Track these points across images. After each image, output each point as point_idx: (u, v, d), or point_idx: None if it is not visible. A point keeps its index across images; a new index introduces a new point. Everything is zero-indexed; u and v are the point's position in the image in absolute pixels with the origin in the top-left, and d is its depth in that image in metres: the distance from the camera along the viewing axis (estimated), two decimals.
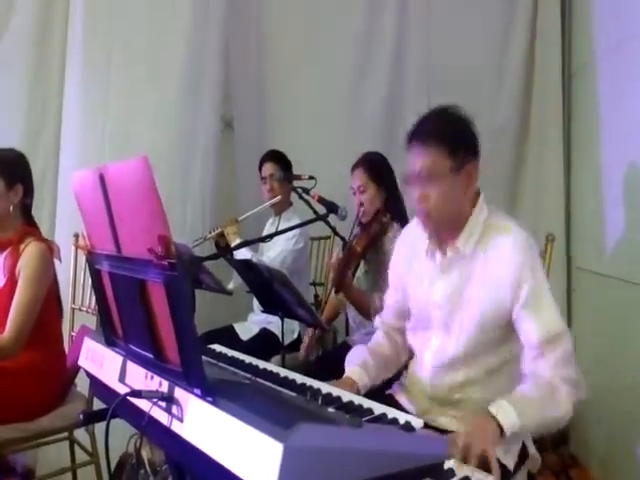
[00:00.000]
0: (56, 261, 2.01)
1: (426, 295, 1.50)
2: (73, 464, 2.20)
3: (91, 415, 1.31)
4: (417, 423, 1.01)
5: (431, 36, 3.11)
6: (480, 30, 3.07)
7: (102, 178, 1.04)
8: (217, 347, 1.53)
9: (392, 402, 1.58)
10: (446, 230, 1.45)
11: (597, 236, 2.50)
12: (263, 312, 2.21)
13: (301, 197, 2.25)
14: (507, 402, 1.26)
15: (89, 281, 2.21)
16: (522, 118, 3.08)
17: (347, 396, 1.15)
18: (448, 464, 1.04)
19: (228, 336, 2.59)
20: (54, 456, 2.42)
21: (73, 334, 2.31)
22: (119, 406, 1.10)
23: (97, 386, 1.34)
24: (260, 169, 2.70)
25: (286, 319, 2.09)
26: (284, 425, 0.78)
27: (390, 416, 1.04)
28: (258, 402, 0.94)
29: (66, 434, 2.14)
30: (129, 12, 2.76)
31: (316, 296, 2.75)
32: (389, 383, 1.67)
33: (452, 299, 1.44)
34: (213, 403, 0.89)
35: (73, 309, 2.26)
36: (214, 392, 0.92)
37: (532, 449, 1.51)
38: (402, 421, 1.01)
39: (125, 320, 1.11)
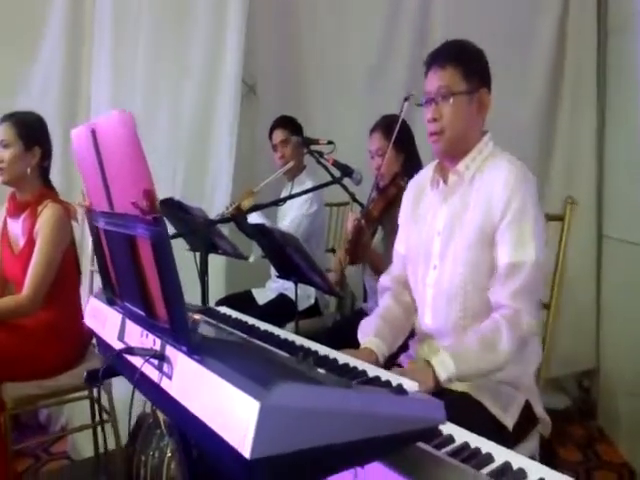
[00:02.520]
0: (76, 224, 2.04)
1: (429, 227, 1.51)
2: (93, 422, 2.27)
3: (93, 373, 1.32)
4: (411, 386, 0.99)
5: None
6: None
7: (94, 134, 1.02)
8: (224, 309, 1.52)
9: None
10: (453, 152, 1.47)
11: (630, 204, 2.39)
12: (278, 277, 2.20)
13: (319, 162, 2.20)
14: (445, 349, 1.32)
15: None
16: (554, 83, 2.93)
17: (343, 359, 1.12)
18: (444, 428, 1.01)
19: (246, 300, 2.60)
20: (79, 414, 2.51)
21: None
22: (119, 364, 1.10)
23: (101, 345, 1.35)
24: (270, 137, 2.65)
25: (302, 285, 2.07)
26: (265, 384, 0.76)
27: (383, 379, 1.01)
28: (245, 361, 0.92)
29: (86, 393, 2.21)
30: None
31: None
32: (397, 353, 1.64)
33: (451, 225, 1.46)
34: (199, 361, 0.88)
35: (92, 272, 2.29)
36: (202, 350, 0.90)
37: (540, 410, 1.49)
38: (395, 384, 0.99)
39: (120, 278, 1.11)
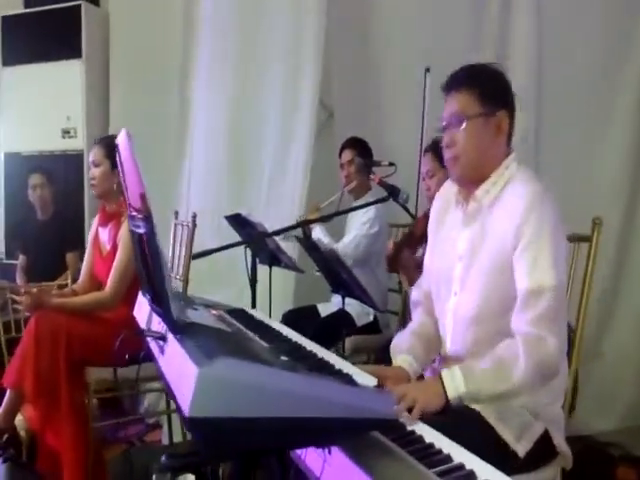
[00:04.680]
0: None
1: (452, 249, 1.49)
2: (167, 409, 2.54)
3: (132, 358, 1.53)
4: (369, 381, 1.07)
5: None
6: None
7: (117, 147, 1.24)
8: (253, 312, 1.68)
9: None
10: (471, 178, 1.45)
11: None
12: (332, 292, 2.32)
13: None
14: (458, 367, 1.27)
15: (182, 252, 2.53)
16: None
17: (326, 355, 1.22)
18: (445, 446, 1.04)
19: (309, 314, 2.74)
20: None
21: None
22: (147, 348, 1.30)
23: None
24: (340, 156, 2.80)
25: None
26: (211, 357, 0.90)
27: (345, 371, 1.10)
28: (214, 342, 1.06)
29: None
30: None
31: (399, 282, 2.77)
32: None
33: (471, 252, 1.43)
34: (178, 339, 1.03)
35: (170, 277, 2.57)
36: (184, 332, 1.06)
37: (560, 442, 1.43)
38: (355, 377, 1.07)
39: (140, 272, 1.31)
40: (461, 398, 1.27)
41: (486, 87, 1.42)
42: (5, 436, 2.19)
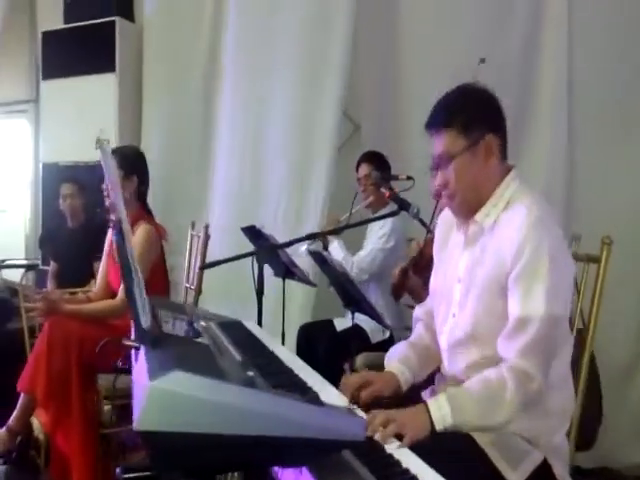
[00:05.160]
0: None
1: (453, 270, 1.46)
2: None
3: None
4: (340, 402, 1.03)
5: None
6: None
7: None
8: (250, 324, 1.67)
9: None
10: (470, 209, 1.41)
11: None
12: (343, 307, 2.29)
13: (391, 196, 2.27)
14: (445, 398, 1.24)
15: (197, 263, 2.55)
16: None
17: (303, 373, 1.19)
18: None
19: (325, 328, 2.71)
20: None
21: None
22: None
23: None
24: (357, 170, 2.77)
25: None
26: (166, 370, 0.88)
27: (315, 390, 1.07)
28: (179, 356, 1.05)
29: None
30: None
31: None
32: (424, 385, 1.63)
33: (470, 274, 1.39)
34: (145, 350, 1.03)
35: (187, 288, 2.59)
36: (155, 343, 1.05)
37: (561, 473, 1.35)
38: (323, 397, 1.03)
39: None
40: (447, 429, 1.24)
41: (466, 119, 1.36)
42: (19, 438, 2.24)
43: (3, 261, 4.06)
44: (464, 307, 1.40)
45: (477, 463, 1.27)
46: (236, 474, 1.74)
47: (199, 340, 1.21)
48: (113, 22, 3.73)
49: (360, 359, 2.44)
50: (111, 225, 2.41)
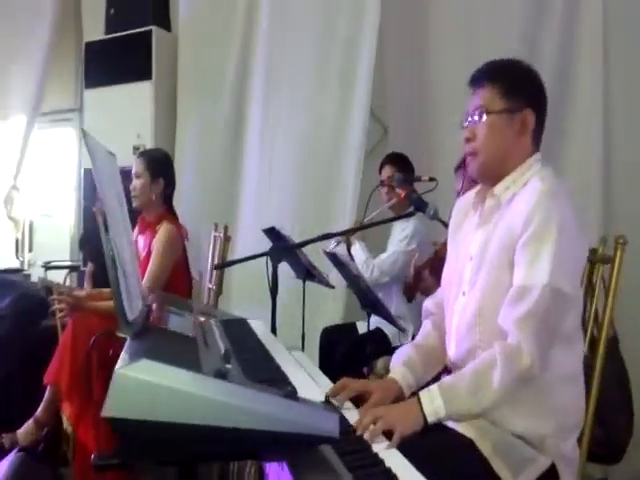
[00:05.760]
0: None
1: (465, 251, 1.42)
2: None
3: None
4: (316, 396, 1.01)
5: None
6: None
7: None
8: (255, 323, 1.67)
9: None
10: (489, 176, 1.38)
11: None
12: (361, 309, 2.26)
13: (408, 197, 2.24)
14: (437, 390, 1.22)
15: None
16: None
17: (289, 370, 1.18)
18: None
19: (347, 331, 2.69)
20: None
21: None
22: None
23: None
24: (380, 172, 2.74)
25: None
26: (137, 359, 0.89)
27: (293, 385, 1.05)
28: (159, 346, 1.06)
29: None
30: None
31: None
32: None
33: (483, 251, 1.35)
34: (129, 341, 1.04)
35: (209, 289, 2.63)
36: (138, 334, 1.07)
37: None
38: (305, 394, 1.02)
39: None
40: (440, 420, 1.22)
41: (511, 83, 1.35)
42: (45, 430, 2.32)
43: (48, 263, 4.25)
44: (474, 285, 1.35)
45: (477, 469, 1.22)
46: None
47: (183, 333, 1.22)
48: (150, 31, 3.84)
49: (380, 363, 2.40)
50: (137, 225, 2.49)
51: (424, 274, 1.97)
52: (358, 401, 1.32)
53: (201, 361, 1.00)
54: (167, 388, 0.86)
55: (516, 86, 1.35)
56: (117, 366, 0.87)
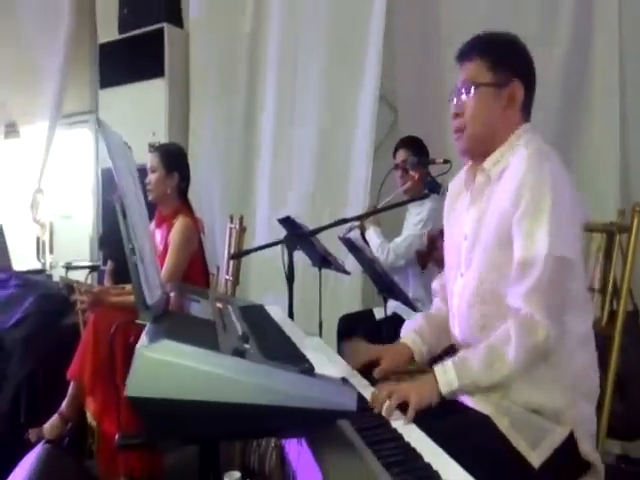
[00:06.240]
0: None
1: (459, 230, 1.42)
2: None
3: None
4: (335, 372, 1.02)
5: None
6: None
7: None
8: (274, 309, 1.68)
9: None
10: (477, 151, 1.37)
11: None
12: (378, 294, 2.27)
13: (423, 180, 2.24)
14: (451, 362, 1.23)
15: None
16: None
17: (307, 349, 1.19)
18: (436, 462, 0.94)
19: (364, 318, 2.70)
20: None
21: None
22: None
23: None
24: (394, 156, 2.73)
25: None
26: (158, 340, 0.91)
27: (311, 362, 1.06)
28: (178, 328, 1.08)
29: None
30: None
31: None
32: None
33: (476, 230, 1.35)
34: (148, 326, 1.06)
35: (226, 280, 2.65)
36: (158, 318, 1.09)
37: (588, 450, 1.27)
38: (322, 370, 1.03)
39: None
40: (454, 393, 1.23)
41: (498, 55, 1.34)
42: (70, 424, 2.36)
43: (69, 264, 4.32)
44: (470, 264, 1.36)
45: (496, 444, 1.22)
46: None
47: (201, 316, 1.24)
48: (162, 29, 3.87)
49: None
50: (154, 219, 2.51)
51: (438, 243, 1.99)
52: (372, 367, 1.35)
53: (220, 342, 1.02)
54: (187, 367, 0.88)
55: (503, 58, 1.34)
56: (138, 347, 0.89)
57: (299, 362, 1.07)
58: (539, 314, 1.19)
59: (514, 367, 1.21)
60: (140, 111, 3.98)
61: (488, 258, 1.30)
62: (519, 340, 1.19)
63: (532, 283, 1.20)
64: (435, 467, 0.92)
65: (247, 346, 1.06)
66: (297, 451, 1.06)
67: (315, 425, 0.96)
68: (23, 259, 4.59)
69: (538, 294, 1.20)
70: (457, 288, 1.42)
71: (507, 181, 1.29)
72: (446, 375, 1.22)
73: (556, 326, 1.20)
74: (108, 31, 4.27)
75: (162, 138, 3.87)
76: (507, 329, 1.23)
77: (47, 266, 4.73)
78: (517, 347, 1.19)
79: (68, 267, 4.28)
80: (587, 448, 1.28)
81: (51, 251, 4.85)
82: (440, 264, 2.08)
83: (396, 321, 2.56)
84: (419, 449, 0.99)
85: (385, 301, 2.19)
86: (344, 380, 1.18)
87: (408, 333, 1.49)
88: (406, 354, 1.44)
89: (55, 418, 2.32)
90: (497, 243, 1.28)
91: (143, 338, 0.96)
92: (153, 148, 2.51)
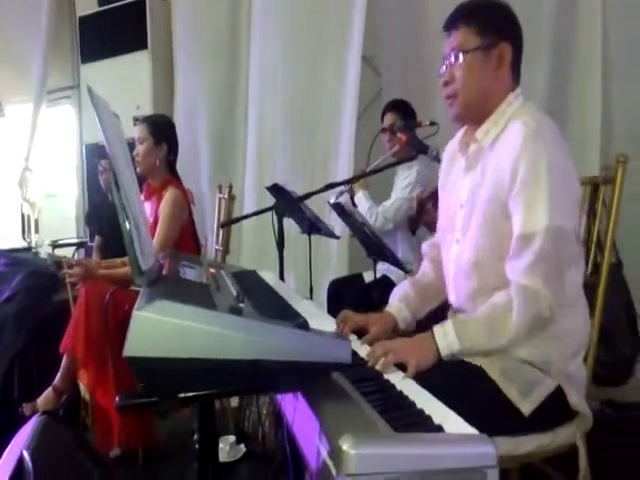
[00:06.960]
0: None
1: (455, 197, 1.44)
2: None
3: None
4: (328, 326, 1.04)
5: None
6: None
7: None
8: (266, 274, 1.69)
9: None
10: (471, 117, 1.38)
11: None
12: (367, 256, 2.29)
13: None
14: (452, 325, 1.24)
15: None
16: None
17: (301, 306, 1.21)
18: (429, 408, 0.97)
19: (354, 282, 2.73)
20: None
21: None
22: None
23: None
24: (382, 120, 2.72)
25: None
26: (154, 301, 0.92)
27: (304, 317, 1.08)
28: (174, 290, 1.09)
29: None
30: None
31: None
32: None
33: (472, 198, 1.36)
34: (143, 289, 1.07)
35: (217, 250, 2.66)
36: (153, 282, 1.10)
37: (576, 401, 1.32)
38: (315, 325, 1.04)
39: None
40: (454, 355, 1.25)
41: (484, 19, 1.35)
42: (64, 397, 2.38)
43: (56, 242, 4.29)
44: (467, 232, 1.38)
45: (488, 393, 1.26)
46: None
47: (196, 280, 1.25)
48: (144, 0, 3.79)
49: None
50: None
51: (427, 207, 2.01)
52: (360, 335, 1.39)
53: (215, 302, 1.03)
54: (184, 325, 0.89)
55: (489, 22, 1.35)
56: (134, 309, 0.90)
57: (294, 318, 1.09)
58: (540, 286, 1.22)
59: (514, 335, 1.24)
60: (124, 85, 3.92)
61: (484, 228, 1.32)
62: (521, 309, 1.22)
63: (533, 256, 1.22)
64: (428, 413, 0.95)
65: (241, 305, 1.07)
66: (293, 405, 1.09)
67: (311, 377, 0.98)
68: (5, 238, 4.55)
69: (539, 267, 1.22)
70: (452, 255, 1.44)
71: (502, 154, 1.29)
72: (446, 338, 1.25)
73: (558, 297, 1.23)
74: (87, 3, 4.17)
75: (147, 111, 3.82)
76: (507, 296, 1.25)
77: (33, 244, 4.69)
78: (519, 315, 1.22)
79: (55, 245, 4.25)
80: (576, 400, 1.33)
81: (36, 230, 4.81)
82: (431, 227, 2.10)
83: (386, 283, 2.60)
84: (412, 398, 1.02)
85: (375, 264, 2.21)
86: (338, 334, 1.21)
87: (393, 303, 1.52)
88: (391, 323, 1.47)
89: (49, 391, 2.33)
90: (493, 216, 1.30)
91: (139, 300, 0.96)
92: (140, 120, 2.48)
